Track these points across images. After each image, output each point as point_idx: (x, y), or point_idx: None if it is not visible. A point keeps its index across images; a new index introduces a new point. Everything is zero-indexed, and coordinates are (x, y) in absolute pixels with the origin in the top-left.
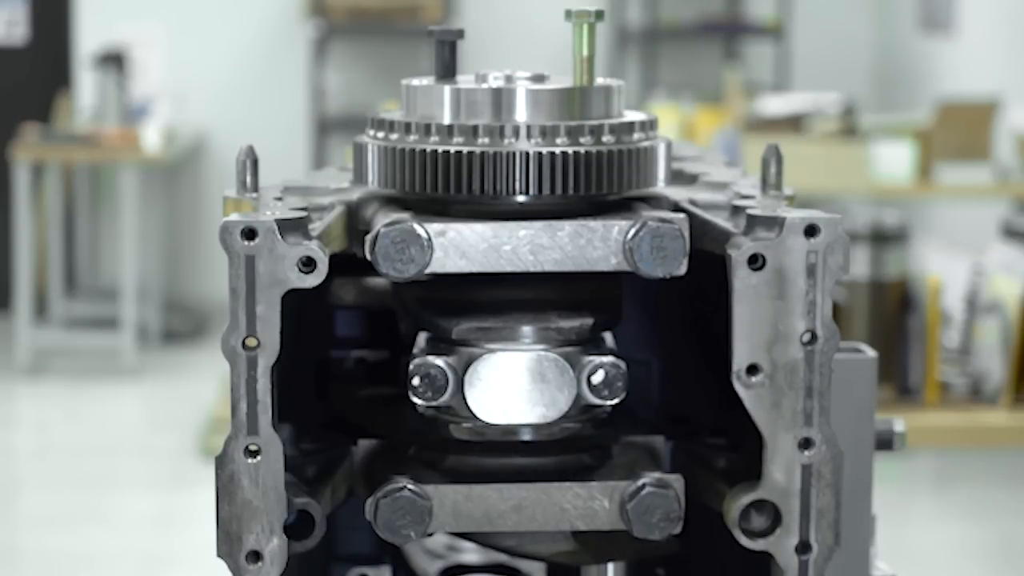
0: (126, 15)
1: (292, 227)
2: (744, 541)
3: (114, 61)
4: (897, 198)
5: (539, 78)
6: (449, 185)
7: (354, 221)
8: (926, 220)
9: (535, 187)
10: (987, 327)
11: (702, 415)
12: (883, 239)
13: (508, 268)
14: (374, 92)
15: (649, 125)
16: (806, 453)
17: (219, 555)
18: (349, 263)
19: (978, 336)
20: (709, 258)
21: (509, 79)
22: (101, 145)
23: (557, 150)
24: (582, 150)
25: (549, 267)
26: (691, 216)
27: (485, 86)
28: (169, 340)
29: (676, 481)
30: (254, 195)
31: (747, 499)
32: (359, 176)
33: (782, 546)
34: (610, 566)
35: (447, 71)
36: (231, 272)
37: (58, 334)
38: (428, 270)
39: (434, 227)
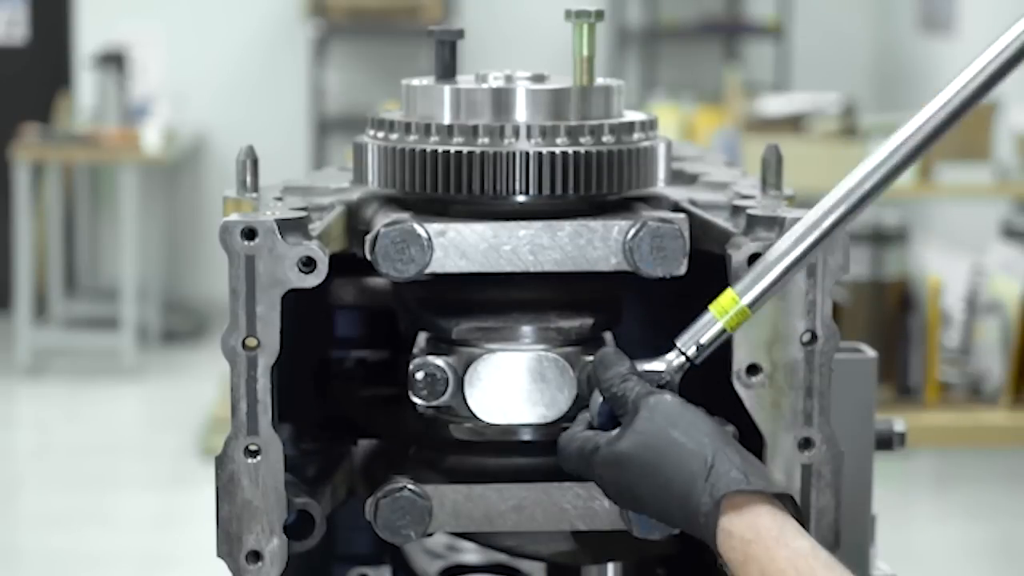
0: (126, 15)
1: (292, 227)
2: None
3: (114, 61)
4: (897, 198)
5: (539, 78)
6: (449, 185)
7: (354, 221)
8: (926, 220)
9: (535, 187)
10: (987, 327)
11: None
12: (883, 239)
13: (508, 268)
14: (374, 92)
15: (649, 125)
16: (806, 453)
17: (219, 555)
18: (349, 263)
19: (978, 336)
20: (709, 258)
21: (509, 79)
22: (101, 145)
23: (557, 150)
24: (582, 150)
25: (549, 267)
26: (691, 216)
27: (485, 86)
28: (169, 340)
29: None
30: (254, 195)
31: None
32: (359, 176)
33: None
34: (610, 566)
35: (447, 71)
36: (231, 272)
37: (58, 334)
38: (428, 270)
39: (434, 227)
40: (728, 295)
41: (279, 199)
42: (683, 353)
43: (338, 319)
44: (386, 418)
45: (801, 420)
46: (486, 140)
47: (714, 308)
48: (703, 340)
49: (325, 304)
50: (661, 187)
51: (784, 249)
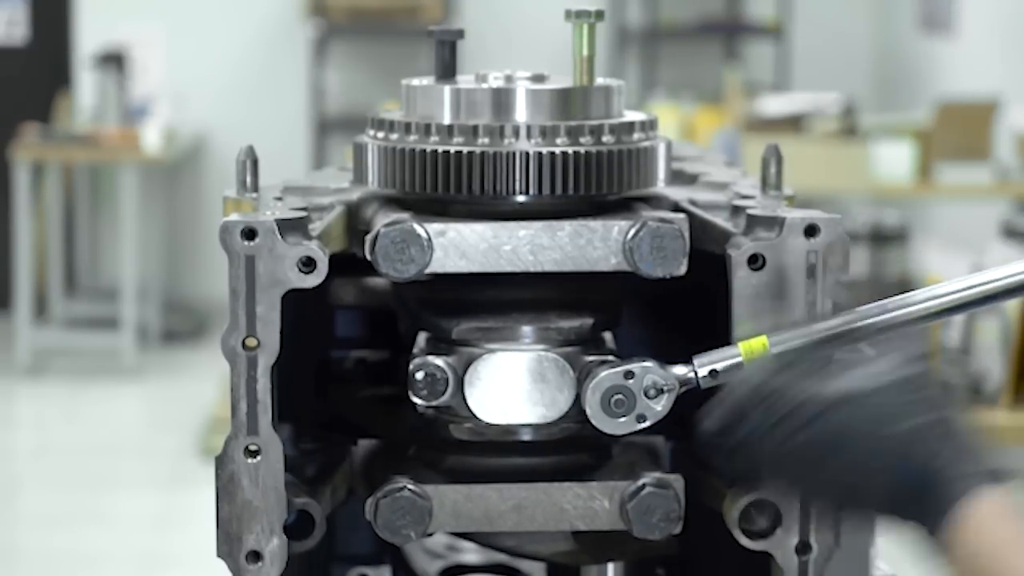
0: (126, 15)
1: (292, 227)
2: (744, 541)
3: (114, 61)
4: (897, 198)
5: (539, 78)
6: (449, 185)
7: (354, 221)
8: (926, 220)
9: (535, 187)
10: (987, 327)
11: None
12: (883, 239)
13: (508, 268)
14: (374, 92)
15: (649, 125)
16: None
17: (219, 555)
18: (349, 263)
19: (978, 336)
20: (709, 258)
21: (509, 79)
22: (101, 145)
23: (557, 150)
24: (582, 150)
25: (549, 267)
26: (691, 216)
27: (485, 86)
28: (169, 340)
29: (676, 481)
30: (254, 195)
31: (747, 499)
32: (359, 176)
33: (782, 546)
34: (610, 566)
35: (447, 71)
36: (231, 272)
37: (58, 334)
38: (428, 270)
39: (434, 227)
40: (760, 340)
41: (279, 199)
42: (695, 372)
43: (338, 319)
44: (386, 418)
45: None
46: (486, 140)
47: (743, 346)
48: (719, 368)
49: (325, 304)
50: (661, 187)
51: (832, 324)
